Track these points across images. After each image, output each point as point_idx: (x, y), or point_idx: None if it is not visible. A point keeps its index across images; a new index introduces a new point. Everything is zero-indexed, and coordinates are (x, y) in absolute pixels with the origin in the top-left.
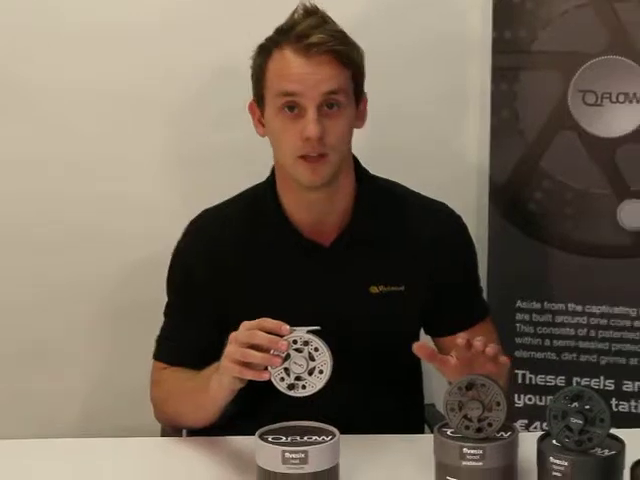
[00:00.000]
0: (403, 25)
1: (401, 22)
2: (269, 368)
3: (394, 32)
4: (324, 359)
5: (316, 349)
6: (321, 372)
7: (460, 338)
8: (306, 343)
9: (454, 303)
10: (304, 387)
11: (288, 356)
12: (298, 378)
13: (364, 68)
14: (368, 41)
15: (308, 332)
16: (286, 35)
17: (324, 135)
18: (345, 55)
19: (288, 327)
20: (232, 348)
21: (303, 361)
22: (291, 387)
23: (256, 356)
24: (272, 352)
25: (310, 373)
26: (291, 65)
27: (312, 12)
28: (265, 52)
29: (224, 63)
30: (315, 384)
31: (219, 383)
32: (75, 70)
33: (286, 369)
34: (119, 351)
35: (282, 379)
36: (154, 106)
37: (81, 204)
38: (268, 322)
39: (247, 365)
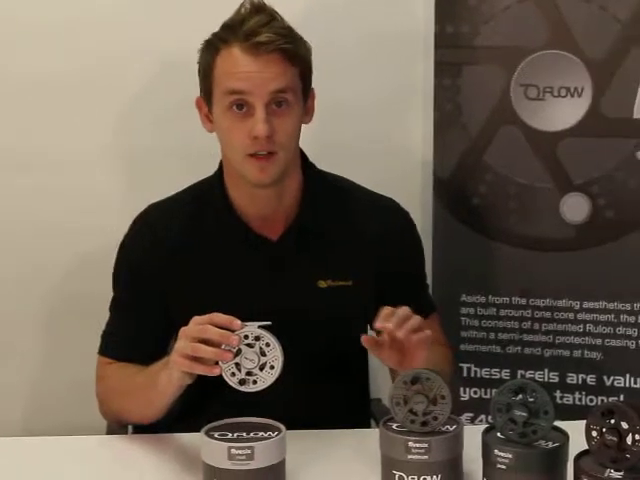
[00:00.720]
0: (346, 20)
1: (344, 17)
2: (220, 363)
3: (337, 27)
4: (275, 354)
5: (267, 344)
6: (272, 367)
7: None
8: (257, 338)
9: (400, 298)
10: (255, 382)
11: (239, 351)
12: (249, 373)
13: (312, 64)
14: (311, 36)
15: (259, 327)
16: (234, 32)
17: (273, 133)
18: (293, 53)
19: (239, 322)
20: (182, 343)
21: (254, 356)
22: (242, 382)
23: (207, 351)
24: (223, 347)
25: (261, 368)
26: (239, 63)
27: (260, 9)
28: (213, 48)
29: (174, 57)
30: (266, 379)
31: (168, 378)
32: (24, 61)
33: (237, 364)
34: (63, 346)
35: (233, 374)
36: (104, 99)
37: (26, 197)
38: (219, 317)
39: (198, 360)
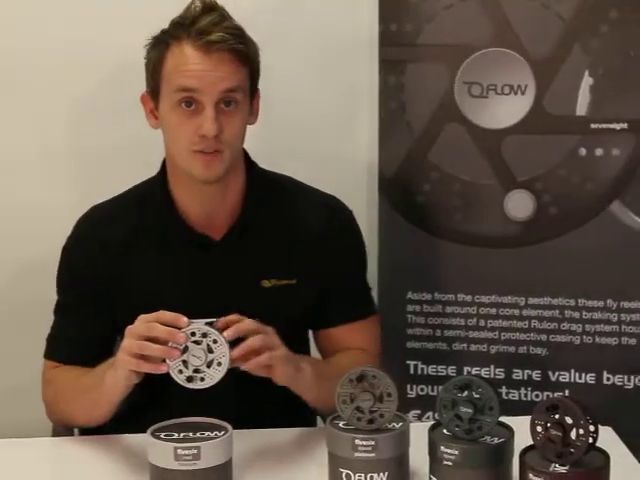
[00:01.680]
0: (291, 19)
1: (289, 16)
2: (167, 361)
3: (282, 26)
4: (222, 351)
5: (214, 341)
6: (219, 364)
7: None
8: (204, 335)
9: (341, 296)
10: (202, 379)
11: (186, 348)
12: (196, 370)
13: (260, 65)
14: (257, 35)
15: (206, 324)
16: (186, 30)
17: (220, 132)
18: (244, 53)
19: (186, 319)
20: (129, 341)
21: (201, 353)
22: (189, 379)
23: (154, 348)
24: (170, 344)
25: (208, 365)
26: (190, 61)
27: (211, 7)
28: (163, 45)
29: (123, 57)
30: (213, 376)
31: (114, 378)
32: None
33: (184, 361)
34: (8, 350)
35: (180, 372)
36: (49, 103)
37: None
38: (166, 315)
39: (144, 358)
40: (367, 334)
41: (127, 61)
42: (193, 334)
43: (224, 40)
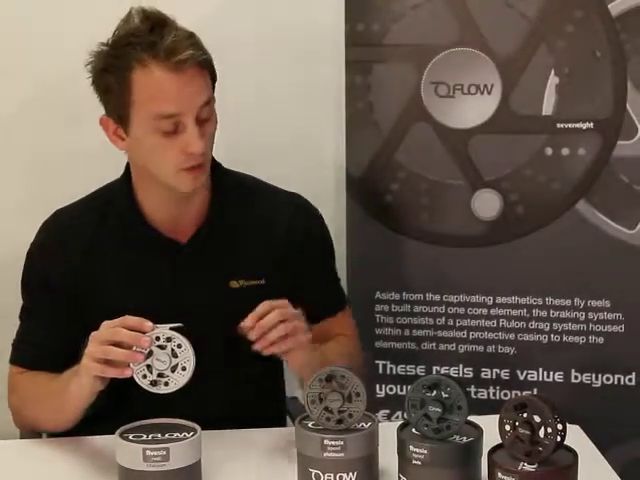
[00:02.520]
0: (256, 18)
1: (254, 15)
2: (131, 365)
3: (248, 25)
4: (187, 356)
5: (179, 346)
6: (184, 369)
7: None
8: (169, 340)
9: (312, 293)
10: (167, 384)
11: (151, 353)
12: (161, 375)
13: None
14: (223, 34)
15: (171, 329)
16: (148, 51)
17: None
18: (208, 63)
19: (151, 324)
20: (93, 347)
21: (166, 357)
22: (154, 384)
23: (118, 352)
24: (134, 349)
25: (173, 370)
26: (165, 86)
27: (159, 20)
28: (123, 69)
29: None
30: (178, 381)
31: (79, 385)
32: None
33: (149, 366)
34: None
35: (145, 376)
36: (5, 103)
37: None
38: (130, 319)
39: (109, 363)
40: (344, 323)
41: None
42: (158, 339)
43: (192, 57)
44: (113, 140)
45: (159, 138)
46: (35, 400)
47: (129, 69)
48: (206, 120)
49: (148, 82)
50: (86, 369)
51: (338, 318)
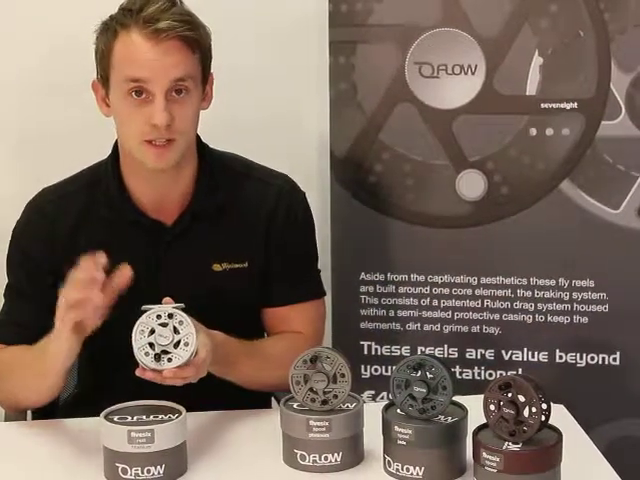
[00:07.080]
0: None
1: None
2: (133, 343)
3: (232, 4)
4: (189, 331)
5: (180, 322)
6: (187, 344)
7: None
8: (170, 316)
9: (284, 276)
10: (170, 360)
11: (153, 331)
12: (164, 352)
13: (211, 50)
14: (207, 17)
15: (173, 309)
16: (133, 17)
17: (172, 121)
18: (194, 40)
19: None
20: (65, 293)
21: (168, 333)
22: (157, 359)
23: (92, 290)
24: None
25: (176, 346)
26: (139, 50)
27: None
28: (111, 32)
29: (67, 37)
30: (181, 356)
31: (57, 343)
32: None
33: (151, 344)
34: None
35: (147, 354)
36: None
37: None
38: (79, 270)
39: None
40: (308, 317)
41: (70, 42)
42: (159, 316)
43: (172, 28)
44: (100, 105)
45: (129, 105)
46: (15, 370)
47: (115, 33)
48: (182, 97)
49: (125, 45)
50: (61, 321)
51: (302, 309)
